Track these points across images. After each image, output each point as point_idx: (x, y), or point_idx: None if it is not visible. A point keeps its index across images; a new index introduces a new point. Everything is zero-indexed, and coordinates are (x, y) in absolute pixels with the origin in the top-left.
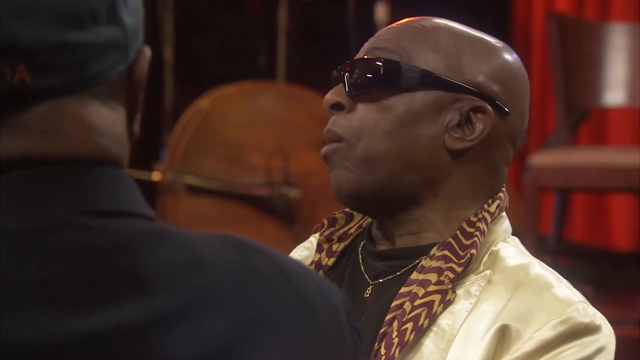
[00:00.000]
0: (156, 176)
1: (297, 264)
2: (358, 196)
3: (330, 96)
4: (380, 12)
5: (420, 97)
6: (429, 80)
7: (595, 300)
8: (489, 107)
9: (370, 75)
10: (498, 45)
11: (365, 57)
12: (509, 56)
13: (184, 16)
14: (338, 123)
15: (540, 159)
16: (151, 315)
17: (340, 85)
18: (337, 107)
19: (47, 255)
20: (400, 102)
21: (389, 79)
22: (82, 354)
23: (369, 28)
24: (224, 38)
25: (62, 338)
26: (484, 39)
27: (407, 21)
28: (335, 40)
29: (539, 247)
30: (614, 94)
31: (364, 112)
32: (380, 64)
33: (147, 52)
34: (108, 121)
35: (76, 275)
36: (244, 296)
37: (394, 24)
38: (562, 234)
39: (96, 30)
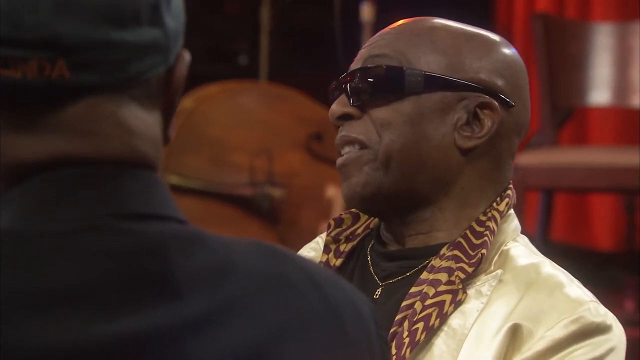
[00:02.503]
0: None
1: (326, 271)
2: (372, 199)
3: (336, 107)
4: (366, 12)
5: (426, 100)
6: (432, 82)
7: None
8: (495, 102)
9: (374, 83)
10: (495, 39)
11: (367, 66)
12: (507, 49)
13: None
14: (354, 129)
15: (526, 159)
16: (182, 319)
17: (342, 97)
18: (345, 117)
19: (79, 257)
20: (408, 104)
21: (393, 85)
22: (111, 358)
23: (354, 28)
24: (205, 38)
25: (91, 342)
26: (480, 34)
27: (400, 25)
28: (320, 40)
29: None
30: (599, 94)
31: (375, 116)
32: (383, 71)
33: (187, 56)
34: (144, 123)
35: (107, 278)
36: (275, 302)
37: (387, 29)
38: (547, 234)
39: (138, 31)
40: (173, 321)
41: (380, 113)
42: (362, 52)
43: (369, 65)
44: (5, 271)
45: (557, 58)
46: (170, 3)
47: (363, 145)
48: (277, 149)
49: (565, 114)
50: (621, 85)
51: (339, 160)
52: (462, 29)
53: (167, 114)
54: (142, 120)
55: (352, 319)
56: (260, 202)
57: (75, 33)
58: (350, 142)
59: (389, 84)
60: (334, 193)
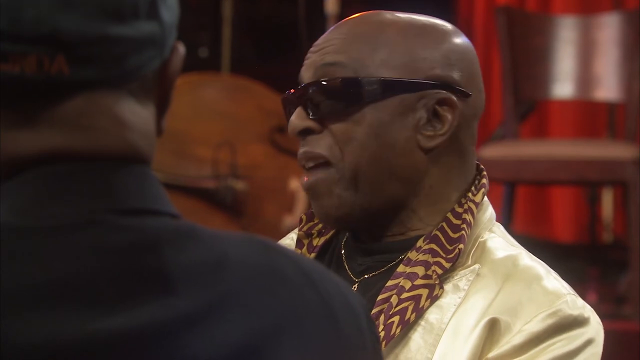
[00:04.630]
0: None
1: (318, 266)
2: (348, 219)
3: (296, 122)
4: (330, 3)
5: (385, 106)
6: (390, 87)
7: None
8: (453, 97)
9: (331, 96)
10: (444, 29)
11: (322, 80)
12: (458, 38)
13: None
14: (317, 144)
15: (488, 152)
16: (176, 315)
17: (300, 110)
18: (306, 132)
19: (74, 253)
20: (368, 114)
21: (351, 96)
22: (106, 353)
23: (318, 20)
24: None
25: (87, 337)
26: (429, 26)
27: (347, 25)
28: (283, 32)
29: None
30: (562, 87)
31: (336, 130)
32: (339, 83)
33: (181, 48)
34: (140, 118)
35: (102, 274)
36: (268, 297)
37: (334, 30)
38: (510, 226)
39: (136, 25)
40: (168, 316)
41: (341, 127)
42: (313, 58)
43: (323, 80)
44: (0, 266)
45: (520, 51)
46: None
47: (327, 162)
48: (240, 141)
49: (528, 107)
50: (584, 78)
51: (306, 182)
52: (410, 22)
53: (162, 107)
54: (138, 114)
55: (345, 313)
56: (223, 194)
57: (75, 28)
58: (314, 157)
59: (347, 95)
60: (297, 185)
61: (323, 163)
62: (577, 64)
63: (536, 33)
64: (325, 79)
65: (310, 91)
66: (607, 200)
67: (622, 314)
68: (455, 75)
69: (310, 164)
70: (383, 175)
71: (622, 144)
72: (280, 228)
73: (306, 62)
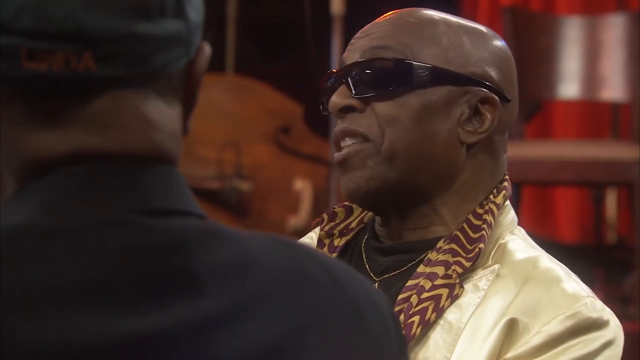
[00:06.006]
0: None
1: (343, 266)
2: (377, 194)
3: (338, 99)
4: (336, 4)
5: (432, 94)
6: (439, 76)
7: None
8: (496, 97)
9: (379, 76)
10: (489, 32)
11: (372, 57)
12: (501, 42)
13: None
14: (357, 122)
15: None
16: (203, 316)
17: (343, 88)
18: (347, 109)
19: (101, 253)
20: (414, 99)
21: (400, 78)
22: (133, 354)
23: (324, 21)
24: None
25: (113, 338)
26: (477, 27)
27: (398, 15)
28: (288, 33)
29: None
30: (567, 87)
31: (380, 110)
32: (390, 64)
33: (207, 48)
34: (166, 117)
35: (129, 275)
36: (294, 297)
37: (382, 19)
38: None
39: (163, 23)
40: (194, 317)
41: (386, 108)
42: (360, 43)
43: (374, 57)
44: (26, 266)
45: (526, 51)
46: None
47: (365, 139)
48: (244, 142)
49: (533, 107)
50: (589, 78)
51: (339, 156)
52: (459, 21)
53: (188, 106)
54: (164, 114)
55: (371, 312)
56: (228, 195)
57: (101, 25)
58: (353, 134)
59: (396, 77)
60: (301, 186)
61: (361, 139)
62: (582, 64)
63: (541, 33)
64: (377, 57)
65: (357, 70)
66: (612, 201)
67: (627, 315)
68: (498, 77)
69: (348, 142)
70: (420, 161)
71: (626, 144)
72: (284, 228)
73: (351, 46)
